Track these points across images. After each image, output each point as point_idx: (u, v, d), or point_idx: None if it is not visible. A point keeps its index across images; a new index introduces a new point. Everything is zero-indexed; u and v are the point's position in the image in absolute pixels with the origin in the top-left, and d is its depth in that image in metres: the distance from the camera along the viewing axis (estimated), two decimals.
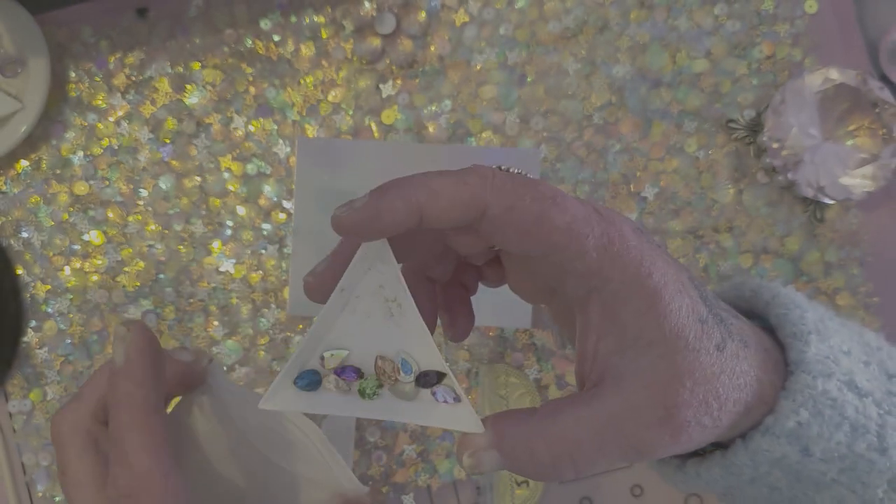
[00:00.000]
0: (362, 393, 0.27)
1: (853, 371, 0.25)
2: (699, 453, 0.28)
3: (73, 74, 0.49)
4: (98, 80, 0.49)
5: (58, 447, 0.27)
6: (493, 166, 0.27)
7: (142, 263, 0.49)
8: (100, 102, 0.49)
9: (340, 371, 0.27)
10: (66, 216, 0.49)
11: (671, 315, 0.24)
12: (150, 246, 0.49)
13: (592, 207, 0.25)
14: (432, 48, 0.49)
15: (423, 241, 0.28)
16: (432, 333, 0.29)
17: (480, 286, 0.31)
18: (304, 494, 0.31)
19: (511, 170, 0.28)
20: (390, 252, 0.28)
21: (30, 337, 0.49)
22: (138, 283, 0.49)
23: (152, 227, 0.49)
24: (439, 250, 0.28)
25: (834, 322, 0.27)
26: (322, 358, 0.27)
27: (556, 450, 0.24)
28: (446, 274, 0.30)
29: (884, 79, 0.48)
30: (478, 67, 0.48)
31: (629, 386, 0.24)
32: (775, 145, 0.45)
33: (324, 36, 0.49)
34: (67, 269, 0.49)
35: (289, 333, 0.49)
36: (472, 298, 0.31)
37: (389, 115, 0.48)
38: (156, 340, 0.26)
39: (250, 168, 0.49)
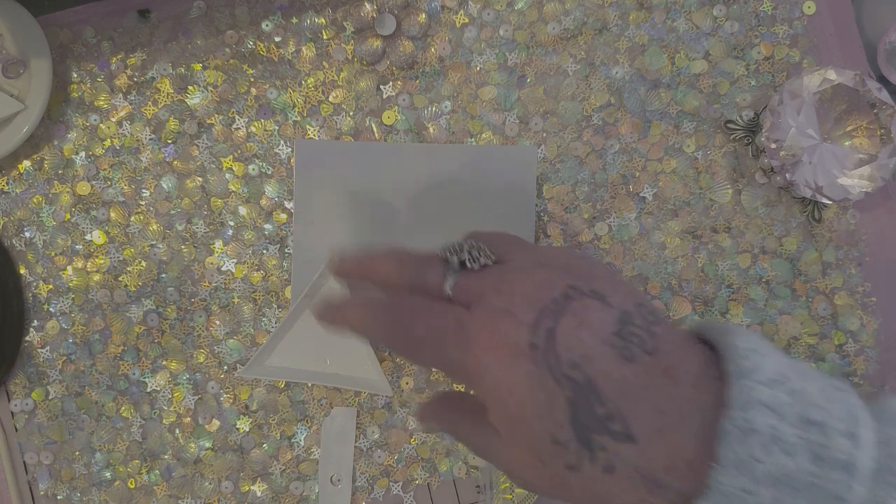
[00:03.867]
0: None
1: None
2: None
3: (75, 75, 0.49)
4: (100, 80, 0.49)
5: None
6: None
7: (144, 263, 0.49)
8: (102, 103, 0.49)
9: None
10: (68, 216, 0.49)
11: (522, 436, 0.28)
12: (151, 246, 0.49)
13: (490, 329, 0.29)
14: (432, 49, 0.49)
15: None
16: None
17: None
18: None
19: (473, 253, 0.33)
20: None
21: (32, 336, 0.49)
22: (140, 283, 0.49)
23: (154, 226, 0.49)
24: None
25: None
26: None
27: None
28: None
29: (882, 80, 0.48)
30: (477, 69, 0.49)
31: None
32: (773, 146, 0.45)
33: (325, 37, 0.49)
34: (69, 269, 0.49)
35: None
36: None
37: (390, 116, 0.49)
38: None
39: (252, 169, 0.49)
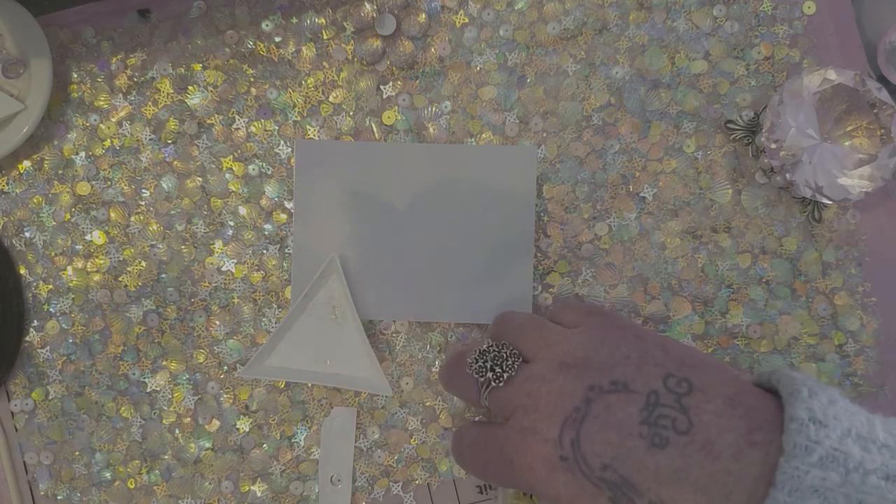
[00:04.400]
0: None
1: None
2: None
3: (75, 75, 0.49)
4: (100, 80, 0.49)
5: None
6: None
7: (144, 263, 0.49)
8: (102, 103, 0.49)
9: None
10: (68, 216, 0.49)
11: None
12: (151, 246, 0.49)
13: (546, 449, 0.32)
14: (432, 49, 0.49)
15: None
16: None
17: None
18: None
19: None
20: (341, 270, 0.46)
21: (32, 336, 0.49)
22: (140, 283, 0.49)
23: (154, 227, 0.49)
24: None
25: None
26: None
27: None
28: None
29: (882, 80, 0.48)
30: (477, 69, 0.49)
31: None
32: (773, 146, 0.45)
33: (325, 37, 0.49)
34: (69, 269, 0.49)
35: None
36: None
37: (390, 116, 0.49)
38: None
39: (252, 169, 0.49)
